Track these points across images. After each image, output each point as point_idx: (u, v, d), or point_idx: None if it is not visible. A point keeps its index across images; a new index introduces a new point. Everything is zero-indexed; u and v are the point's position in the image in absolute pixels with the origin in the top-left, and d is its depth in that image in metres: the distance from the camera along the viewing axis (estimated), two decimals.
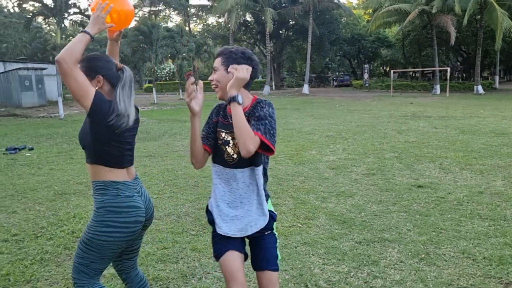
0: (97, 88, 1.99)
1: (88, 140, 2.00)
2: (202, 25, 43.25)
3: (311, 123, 13.28)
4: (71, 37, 44.42)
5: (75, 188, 5.89)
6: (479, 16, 29.30)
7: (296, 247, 3.65)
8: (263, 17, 31.99)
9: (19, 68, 26.71)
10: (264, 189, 2.08)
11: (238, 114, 1.89)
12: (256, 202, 2.05)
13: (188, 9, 35.90)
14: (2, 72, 26.72)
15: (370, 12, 45.00)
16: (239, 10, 30.64)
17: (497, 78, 38.40)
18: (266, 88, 34.95)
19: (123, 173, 2.06)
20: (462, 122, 12.49)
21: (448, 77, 29.89)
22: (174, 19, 41.73)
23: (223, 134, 2.07)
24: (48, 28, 40.22)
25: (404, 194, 5.17)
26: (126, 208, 2.00)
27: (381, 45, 45.45)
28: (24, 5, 22.03)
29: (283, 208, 4.73)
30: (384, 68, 57.00)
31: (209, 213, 2.12)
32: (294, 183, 5.81)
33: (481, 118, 13.42)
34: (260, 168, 2.04)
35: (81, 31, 1.94)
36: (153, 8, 32.38)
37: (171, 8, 33.36)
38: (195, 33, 31.57)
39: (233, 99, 1.90)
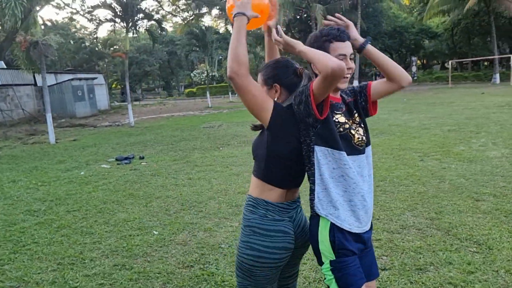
0: (275, 98, 1.83)
1: (260, 154, 1.83)
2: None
3: (409, 118, 12.45)
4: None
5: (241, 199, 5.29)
6: None
7: None
8: (310, 14, 31.21)
9: (72, 79, 26.93)
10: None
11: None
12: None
13: None
14: (55, 84, 26.93)
15: (413, 3, 43.64)
16: (285, 8, 29.90)
17: None
18: None
19: (281, 194, 1.81)
20: None
21: (511, 65, 28.30)
22: (220, 21, 41.24)
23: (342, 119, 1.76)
24: (99, 37, 40.76)
25: None
26: (273, 232, 1.77)
27: (425, 36, 43.85)
28: (94, 12, 22.10)
29: None
30: (423, 60, 55.15)
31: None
32: (497, 183, 5.05)
33: None
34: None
35: (234, 15, 1.72)
36: (197, 12, 32.07)
37: (217, 8, 32.85)
38: None
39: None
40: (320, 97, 1.65)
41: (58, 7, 23.64)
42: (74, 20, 38.70)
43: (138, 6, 15.31)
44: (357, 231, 1.71)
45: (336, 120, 1.73)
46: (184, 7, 30.88)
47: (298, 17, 39.35)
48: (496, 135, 8.28)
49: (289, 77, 1.86)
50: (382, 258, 3.28)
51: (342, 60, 1.68)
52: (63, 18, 47.84)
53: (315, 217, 1.77)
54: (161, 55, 48.69)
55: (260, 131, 1.94)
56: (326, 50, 1.73)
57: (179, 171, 7.27)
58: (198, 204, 5.20)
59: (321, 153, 1.70)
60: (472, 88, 26.04)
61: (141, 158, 8.79)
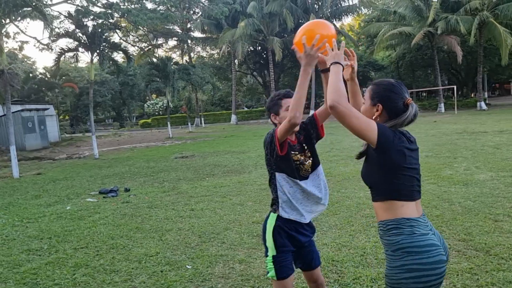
0: (374, 116, 1.91)
1: (377, 177, 1.87)
2: (195, 57, 42.94)
3: None
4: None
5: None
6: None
7: None
8: (267, 46, 32.04)
9: (22, 110, 25.62)
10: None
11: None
12: None
13: (189, 42, 35.65)
14: (2, 115, 25.42)
15: (360, 38, 46.18)
16: (243, 41, 30.53)
17: (486, 94, 39.60)
18: None
19: (414, 208, 1.84)
20: None
21: (455, 95, 30.48)
22: (171, 52, 41.18)
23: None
24: (46, 66, 39.08)
25: None
26: (426, 247, 1.74)
27: (371, 68, 46.32)
28: (56, 42, 21.05)
29: None
30: None
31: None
32: (504, 204, 5.32)
33: None
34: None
35: (331, 64, 1.92)
36: (153, 42, 31.93)
37: (174, 39, 32.92)
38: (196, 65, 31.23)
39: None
40: (281, 138, 2.21)
41: (7, 36, 22.48)
42: (23, 49, 37.07)
43: (104, 36, 14.98)
44: (299, 220, 2.34)
45: (293, 158, 2.34)
46: (141, 37, 30.61)
47: (252, 49, 40.26)
48: (473, 160, 8.78)
49: (396, 104, 1.91)
50: None
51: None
52: (11, 48, 45.54)
53: (265, 221, 2.39)
54: (113, 86, 47.62)
55: (365, 158, 1.98)
56: (279, 104, 2.43)
57: (176, 202, 7.03)
58: (217, 235, 5.03)
59: (280, 178, 2.34)
60: (421, 117, 27.59)
61: (127, 190, 8.42)
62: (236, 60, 33.05)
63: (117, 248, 4.81)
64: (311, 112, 34.24)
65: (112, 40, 15.68)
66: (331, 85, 1.83)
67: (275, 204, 2.41)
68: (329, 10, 34.67)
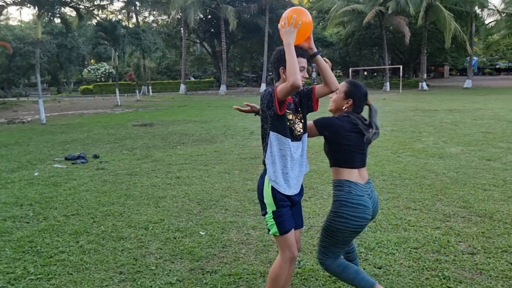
0: (344, 108, 2.52)
1: (327, 149, 2.56)
2: (141, 22, 40.84)
3: None
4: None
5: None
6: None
7: None
8: (219, 15, 31.24)
9: None
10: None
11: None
12: None
13: (137, 4, 33.78)
14: None
15: (313, 13, 46.35)
16: (196, 7, 29.49)
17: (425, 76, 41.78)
18: (223, 88, 34.23)
19: (356, 174, 2.45)
20: (483, 113, 13.31)
21: (400, 75, 31.78)
22: (115, 15, 38.77)
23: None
24: None
25: None
26: (356, 204, 2.36)
27: (320, 45, 46.93)
28: None
29: None
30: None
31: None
32: (484, 175, 5.67)
33: (486, 109, 14.45)
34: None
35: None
36: (98, 2, 29.78)
37: (120, 1, 30.95)
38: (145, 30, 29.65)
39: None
40: (281, 97, 2.24)
41: None
42: None
43: None
44: (288, 194, 2.36)
45: (287, 116, 2.37)
46: None
47: (202, 17, 39.11)
48: (438, 135, 9.26)
49: (362, 101, 2.55)
50: (459, 245, 3.47)
51: (301, 70, 2.30)
52: None
53: (262, 178, 2.41)
54: (49, 48, 44.19)
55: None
56: None
57: (156, 170, 6.76)
58: (216, 202, 4.91)
59: (273, 137, 2.34)
60: (369, 94, 28.45)
61: (96, 157, 7.96)
62: (188, 28, 31.93)
63: (114, 215, 4.54)
64: (263, 85, 34.24)
65: None
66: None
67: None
68: None
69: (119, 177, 6.33)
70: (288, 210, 2.38)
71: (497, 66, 62.67)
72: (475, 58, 51.67)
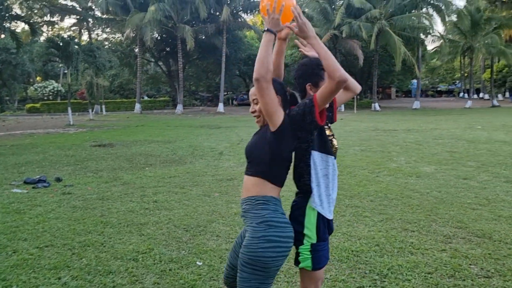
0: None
1: (263, 155, 2.05)
2: (94, 40, 39.65)
3: None
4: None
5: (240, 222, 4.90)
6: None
7: None
8: (176, 34, 30.90)
9: None
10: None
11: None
12: None
13: (90, 21, 32.72)
14: None
15: None
16: (152, 26, 29.04)
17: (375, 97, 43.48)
18: (179, 107, 33.66)
19: (279, 191, 2.12)
20: (440, 133, 13.85)
21: (355, 96, 32.66)
22: (64, 32, 37.36)
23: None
24: None
25: None
26: (284, 223, 2.03)
27: None
28: None
29: None
30: None
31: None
32: (467, 194, 5.75)
33: (441, 129, 15.07)
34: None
35: (264, 31, 1.99)
36: (48, 19, 28.55)
37: (74, 17, 29.84)
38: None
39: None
40: (322, 104, 1.97)
41: None
42: None
43: (6, 3, 12.93)
44: (330, 218, 2.16)
45: (325, 132, 2.18)
46: (36, 11, 27.24)
47: (158, 36, 38.60)
48: (406, 154, 9.44)
49: (285, 95, 2.16)
50: (471, 268, 3.40)
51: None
52: None
53: (302, 207, 2.13)
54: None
55: (255, 134, 2.19)
56: (321, 76, 2.16)
57: (129, 194, 6.32)
58: (204, 228, 4.60)
59: (317, 156, 2.10)
60: None
61: (59, 180, 7.36)
62: (143, 46, 31.30)
63: (94, 245, 4.11)
64: (220, 105, 34.07)
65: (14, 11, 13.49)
66: (260, 57, 1.91)
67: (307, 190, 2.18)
68: (242, 3, 34.78)
69: (90, 202, 5.84)
70: (326, 245, 2.19)
71: (439, 89, 66.46)
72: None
